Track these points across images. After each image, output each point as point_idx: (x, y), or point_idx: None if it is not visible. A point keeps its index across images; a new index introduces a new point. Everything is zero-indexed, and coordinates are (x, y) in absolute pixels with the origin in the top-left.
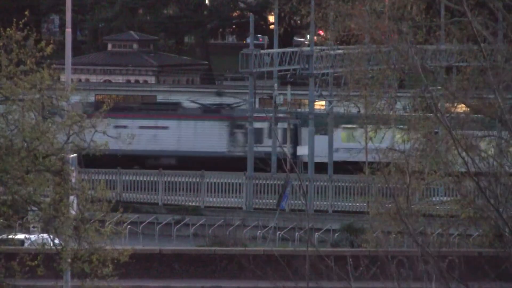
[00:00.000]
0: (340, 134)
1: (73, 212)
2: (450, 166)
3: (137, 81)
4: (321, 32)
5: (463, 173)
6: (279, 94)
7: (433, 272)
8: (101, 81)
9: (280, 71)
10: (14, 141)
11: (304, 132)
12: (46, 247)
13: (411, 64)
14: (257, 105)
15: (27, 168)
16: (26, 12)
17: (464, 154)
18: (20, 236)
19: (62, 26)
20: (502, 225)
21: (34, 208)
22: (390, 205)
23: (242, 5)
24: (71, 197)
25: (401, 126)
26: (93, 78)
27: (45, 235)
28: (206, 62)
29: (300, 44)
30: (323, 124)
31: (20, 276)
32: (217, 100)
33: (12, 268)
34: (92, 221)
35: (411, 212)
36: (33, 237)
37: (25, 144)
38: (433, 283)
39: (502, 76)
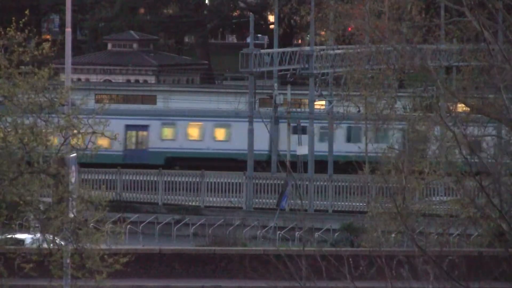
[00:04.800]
0: None
1: (72, 215)
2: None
3: (137, 81)
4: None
5: (463, 173)
6: (279, 94)
7: (432, 272)
8: (101, 81)
9: (280, 71)
10: (10, 142)
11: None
12: (44, 246)
13: (411, 64)
14: (257, 105)
15: (22, 169)
16: (26, 12)
17: (465, 153)
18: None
19: (62, 26)
20: (506, 226)
21: (33, 210)
22: (388, 205)
23: (242, 4)
24: (70, 200)
25: (401, 126)
26: (93, 78)
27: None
28: (206, 62)
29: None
30: None
31: (12, 275)
32: None
33: (10, 268)
34: (89, 223)
35: (410, 212)
36: (30, 237)
37: (22, 146)
38: (433, 283)
39: (503, 75)
